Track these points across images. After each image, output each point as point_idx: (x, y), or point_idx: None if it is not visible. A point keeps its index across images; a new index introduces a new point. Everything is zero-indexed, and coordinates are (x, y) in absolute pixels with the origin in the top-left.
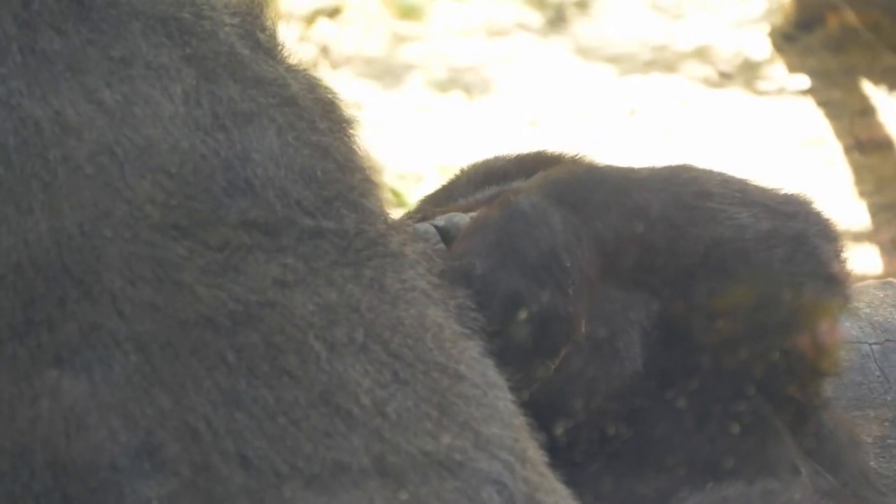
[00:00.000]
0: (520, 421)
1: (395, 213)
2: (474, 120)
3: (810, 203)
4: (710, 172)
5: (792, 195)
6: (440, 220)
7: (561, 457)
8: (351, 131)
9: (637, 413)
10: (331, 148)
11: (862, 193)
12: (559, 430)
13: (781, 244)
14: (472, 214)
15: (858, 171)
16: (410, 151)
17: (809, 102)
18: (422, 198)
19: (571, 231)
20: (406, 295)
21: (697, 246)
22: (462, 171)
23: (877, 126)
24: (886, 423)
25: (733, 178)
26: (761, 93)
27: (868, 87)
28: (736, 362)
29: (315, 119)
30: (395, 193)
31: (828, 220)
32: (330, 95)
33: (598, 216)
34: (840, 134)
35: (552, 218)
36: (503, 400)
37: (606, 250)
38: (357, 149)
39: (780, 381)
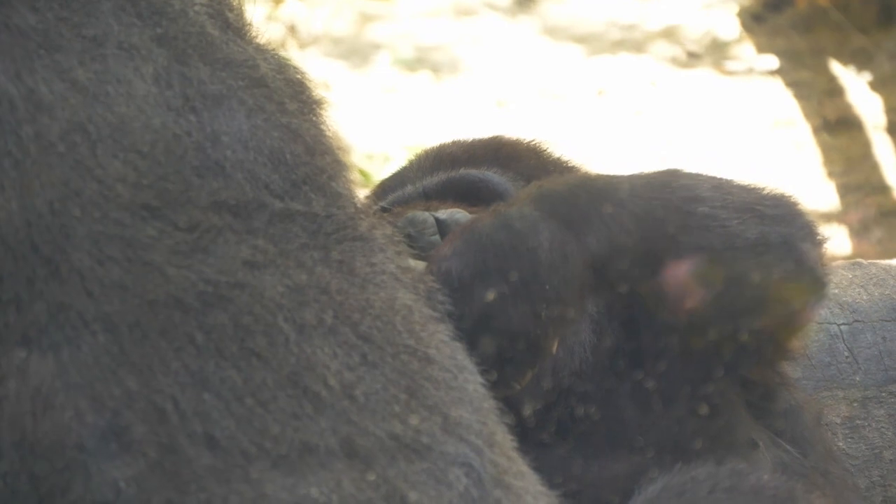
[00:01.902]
0: (489, 404)
1: (363, 194)
2: (442, 100)
3: (796, 205)
4: (700, 176)
5: (779, 197)
6: (442, 214)
7: (530, 438)
8: (320, 112)
9: (606, 395)
10: (300, 130)
11: (831, 174)
12: (528, 412)
13: (769, 250)
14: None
15: (827, 151)
16: (378, 131)
17: (778, 83)
18: (377, 184)
19: (558, 249)
20: (375, 278)
21: (687, 253)
22: (414, 157)
23: (845, 106)
24: (855, 404)
25: (721, 180)
26: (730, 73)
27: (837, 68)
28: (704, 344)
29: (284, 100)
30: (363, 174)
31: (812, 223)
32: (299, 76)
33: (591, 232)
34: (809, 114)
35: (541, 234)
36: (472, 383)
37: (597, 265)
38: (326, 130)
39: (748, 362)
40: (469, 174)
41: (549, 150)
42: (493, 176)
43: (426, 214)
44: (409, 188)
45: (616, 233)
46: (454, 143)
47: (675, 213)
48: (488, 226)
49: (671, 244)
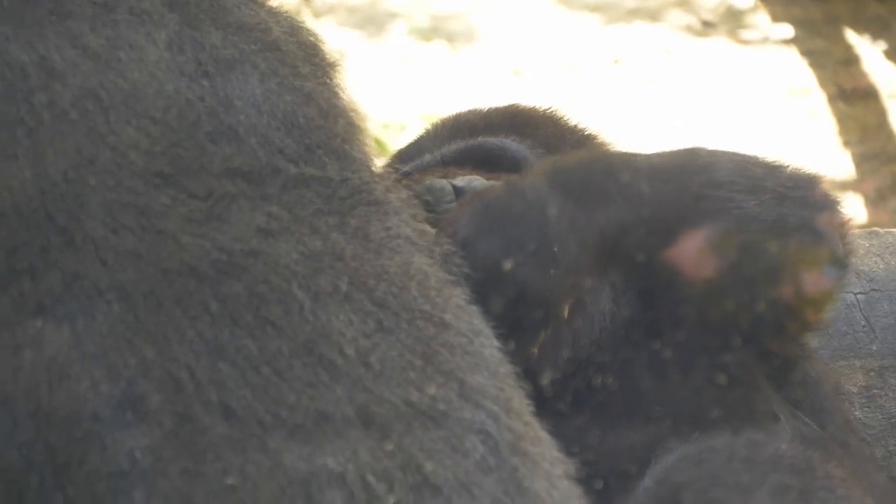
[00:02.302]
0: (505, 369)
1: (379, 162)
2: (457, 69)
3: (819, 185)
4: (723, 156)
5: (803, 177)
6: (460, 181)
7: (547, 408)
8: (334, 75)
9: (623, 364)
10: (314, 93)
11: (846, 143)
12: (545, 381)
13: (788, 232)
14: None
15: (842, 120)
16: (393, 101)
17: (793, 52)
18: (393, 153)
19: (567, 221)
20: (391, 243)
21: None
22: (431, 125)
23: (861, 75)
24: (872, 373)
25: (746, 160)
26: (745, 42)
27: (852, 36)
28: (721, 316)
29: (298, 64)
30: (379, 143)
31: (835, 203)
32: (312, 39)
33: (601, 208)
34: (824, 83)
35: (550, 205)
36: (489, 348)
37: (607, 242)
38: (340, 93)
39: (766, 332)
40: (487, 142)
41: (566, 118)
42: (510, 143)
43: (444, 182)
44: (428, 157)
45: (626, 213)
46: (471, 111)
47: (690, 196)
48: (500, 194)
49: (685, 226)
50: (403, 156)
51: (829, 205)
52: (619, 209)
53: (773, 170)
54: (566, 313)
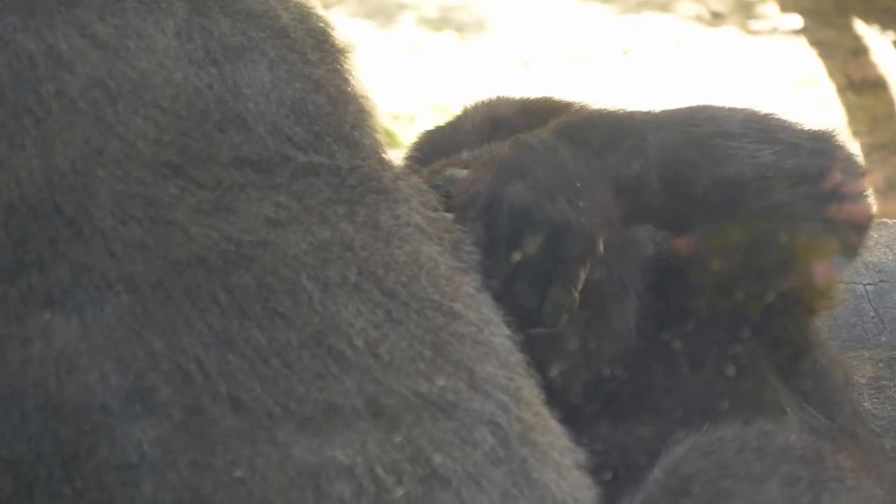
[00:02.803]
0: (515, 358)
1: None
2: (467, 60)
3: (837, 139)
4: (732, 110)
5: (818, 132)
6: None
7: (557, 399)
8: (343, 61)
9: (634, 355)
10: (323, 80)
11: (855, 133)
12: (555, 372)
13: (806, 182)
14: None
15: (852, 110)
16: (403, 91)
17: (803, 42)
18: (420, 135)
19: (583, 161)
20: (400, 231)
21: (716, 184)
22: (465, 114)
23: (870, 65)
24: (881, 364)
25: (757, 114)
26: (755, 32)
27: (861, 27)
28: (732, 304)
29: (307, 50)
30: (389, 133)
31: (853, 156)
32: (322, 24)
33: (609, 153)
34: (833, 74)
35: (562, 150)
36: (499, 337)
37: (618, 187)
38: (350, 80)
39: (776, 321)
40: None
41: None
42: None
43: (464, 171)
44: (467, 154)
45: (635, 157)
46: (504, 102)
47: (699, 143)
48: (512, 152)
49: (696, 173)
50: (436, 144)
51: (848, 156)
52: (626, 157)
53: (788, 125)
54: (602, 247)
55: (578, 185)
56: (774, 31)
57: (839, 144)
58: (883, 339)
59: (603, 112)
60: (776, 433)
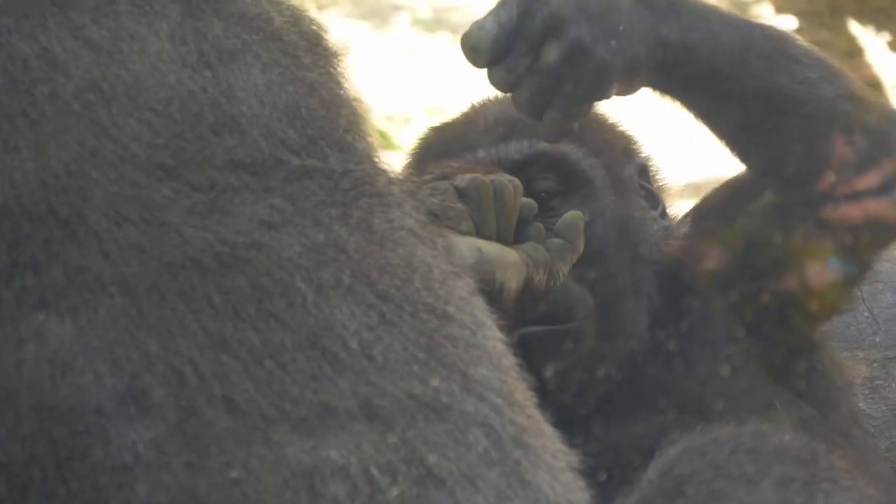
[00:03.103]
0: (508, 361)
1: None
2: (461, 61)
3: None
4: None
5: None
6: (461, 181)
7: (551, 400)
8: (336, 64)
9: (628, 355)
10: (316, 84)
11: None
12: (549, 373)
13: (846, 105)
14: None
15: None
16: (397, 93)
17: None
18: (427, 131)
19: (636, 15)
20: (393, 235)
21: (759, 93)
22: (474, 111)
23: (865, 67)
24: (875, 364)
25: (833, 66)
26: None
27: (856, 28)
28: (727, 304)
29: (300, 54)
30: (383, 135)
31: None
32: (314, 28)
33: (669, 20)
34: None
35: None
36: (492, 340)
37: (659, 51)
38: (343, 83)
39: (772, 323)
40: (548, 151)
41: (613, 122)
42: (571, 153)
43: (446, 183)
44: (482, 153)
45: (689, 35)
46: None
47: (759, 51)
48: None
49: (743, 76)
50: (446, 143)
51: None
52: (683, 26)
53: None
54: (609, 95)
55: (622, 28)
56: None
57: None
58: (877, 339)
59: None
60: (770, 434)
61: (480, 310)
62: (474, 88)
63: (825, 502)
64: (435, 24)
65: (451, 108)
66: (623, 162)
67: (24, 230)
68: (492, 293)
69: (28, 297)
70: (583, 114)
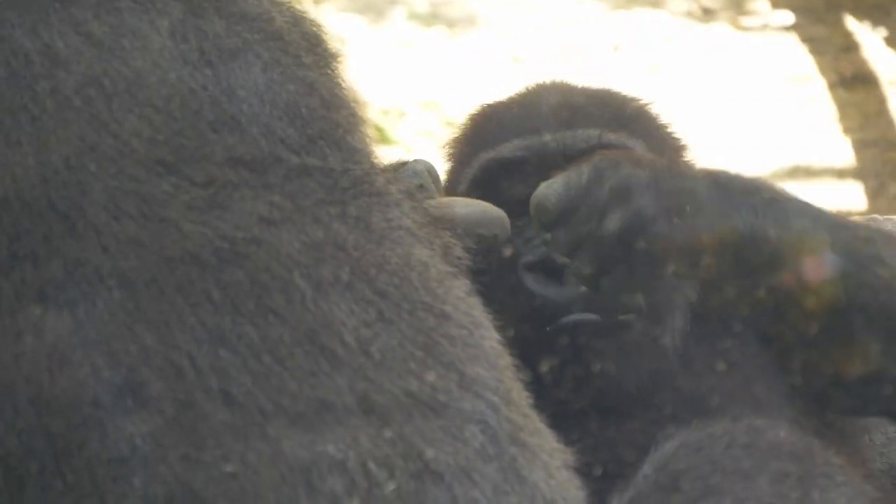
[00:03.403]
0: (505, 361)
1: (379, 150)
2: (458, 55)
3: None
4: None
5: None
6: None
7: (546, 395)
8: (336, 65)
9: (624, 351)
10: (316, 83)
11: (846, 129)
12: (545, 368)
13: None
14: None
15: (843, 107)
16: (393, 87)
17: (794, 38)
18: (478, 110)
19: (715, 201)
20: (392, 234)
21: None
22: (533, 95)
23: (861, 62)
24: None
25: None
26: (745, 29)
27: (852, 23)
28: (723, 300)
29: (300, 54)
30: (379, 129)
31: None
32: (315, 29)
33: (741, 208)
34: (824, 70)
35: (700, 184)
36: (489, 340)
37: (732, 247)
38: (342, 83)
39: (768, 318)
40: (616, 144)
41: (659, 115)
42: (637, 149)
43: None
44: (548, 138)
45: (756, 243)
46: (576, 91)
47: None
48: (670, 169)
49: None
50: (504, 124)
51: None
52: (756, 220)
53: None
54: (668, 274)
55: (688, 207)
56: (765, 27)
57: None
58: None
59: (762, 184)
60: (765, 429)
61: (477, 310)
62: (469, 83)
63: (820, 498)
64: (431, 18)
65: (447, 102)
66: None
67: (23, 224)
68: (490, 240)
69: (27, 290)
70: (640, 288)
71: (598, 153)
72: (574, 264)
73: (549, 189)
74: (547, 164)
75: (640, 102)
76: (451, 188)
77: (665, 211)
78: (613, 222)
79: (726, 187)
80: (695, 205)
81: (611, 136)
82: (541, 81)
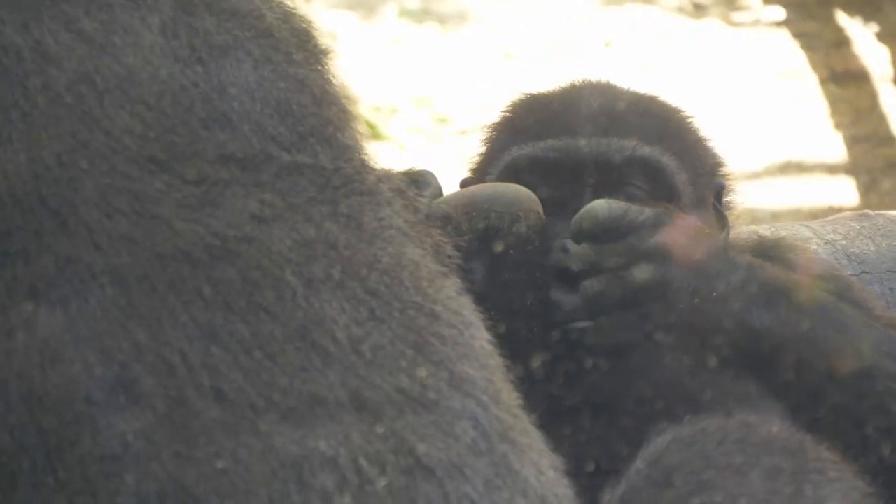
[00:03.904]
0: (495, 361)
1: (371, 146)
2: (449, 52)
3: None
4: None
5: None
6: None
7: (539, 390)
8: (327, 62)
9: (616, 347)
10: (307, 80)
11: (838, 125)
12: (537, 364)
13: None
14: None
15: (834, 102)
16: (385, 83)
17: (785, 34)
18: (519, 102)
19: (746, 295)
20: (383, 233)
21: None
22: (574, 92)
23: (852, 57)
24: None
25: None
26: (737, 24)
27: (844, 19)
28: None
29: (291, 50)
30: (370, 125)
31: None
32: (305, 25)
33: (769, 313)
34: (816, 65)
35: (738, 272)
36: (479, 339)
37: (753, 341)
38: (333, 80)
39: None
40: (649, 158)
41: (700, 129)
42: (669, 167)
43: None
44: (583, 143)
45: (780, 340)
46: (617, 93)
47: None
48: (711, 246)
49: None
50: (542, 121)
51: None
52: (773, 323)
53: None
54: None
55: (715, 294)
56: (757, 22)
57: None
58: None
59: (794, 283)
60: (758, 425)
61: (468, 309)
62: (461, 79)
63: (813, 493)
64: (423, 14)
65: (438, 98)
66: (708, 181)
67: (15, 220)
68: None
69: (19, 287)
70: (630, 333)
71: (667, 207)
72: (587, 285)
73: (609, 206)
74: (578, 169)
75: (682, 115)
76: (480, 176)
77: (692, 289)
78: (641, 273)
79: (761, 284)
80: (721, 292)
81: (646, 150)
82: (586, 79)
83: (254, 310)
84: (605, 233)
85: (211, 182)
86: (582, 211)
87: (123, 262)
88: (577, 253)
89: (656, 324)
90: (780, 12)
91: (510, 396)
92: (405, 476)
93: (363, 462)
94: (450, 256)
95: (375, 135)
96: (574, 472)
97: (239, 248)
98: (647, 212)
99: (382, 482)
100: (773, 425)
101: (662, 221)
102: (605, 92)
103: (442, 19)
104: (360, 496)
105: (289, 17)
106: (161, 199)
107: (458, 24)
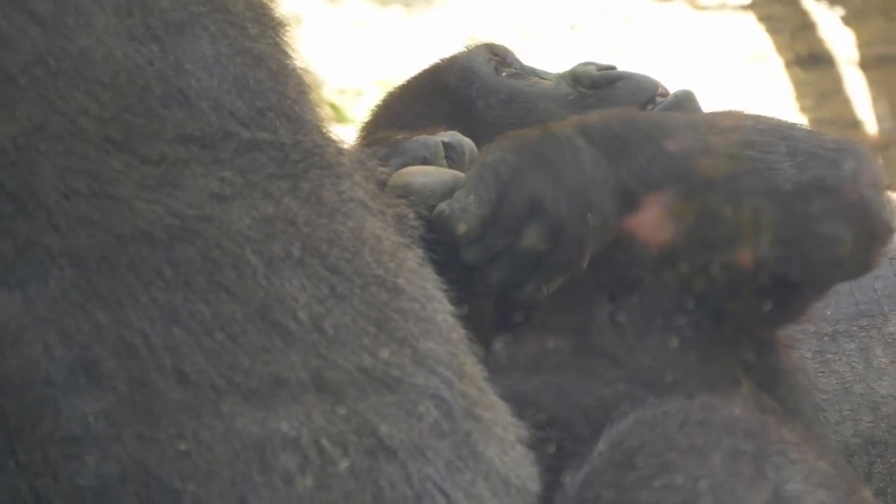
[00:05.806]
0: (458, 335)
1: (336, 129)
2: (414, 34)
3: (860, 149)
4: (756, 118)
5: (841, 141)
6: (446, 136)
7: (502, 370)
8: (283, 34)
9: (579, 326)
10: (263, 55)
11: (803, 108)
12: (499, 344)
13: (824, 194)
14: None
15: (799, 86)
16: (350, 66)
17: (751, 17)
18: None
19: (600, 169)
20: (343, 207)
21: (731, 198)
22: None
23: (817, 41)
24: (825, 338)
25: (781, 123)
26: (703, 8)
27: (809, 3)
28: (677, 276)
29: (247, 25)
30: (335, 108)
31: (876, 167)
32: None
33: (626, 161)
34: (781, 49)
35: (584, 153)
36: (442, 313)
37: (626, 198)
38: (290, 52)
39: (722, 296)
40: None
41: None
42: None
43: (435, 139)
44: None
45: (649, 168)
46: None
47: (718, 157)
48: (535, 136)
49: (711, 187)
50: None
51: (870, 166)
52: (640, 167)
53: (810, 133)
54: (586, 263)
55: (593, 198)
56: (723, 6)
57: (863, 154)
58: (827, 312)
59: (624, 115)
60: (720, 406)
61: (430, 282)
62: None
63: (774, 475)
64: None
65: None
66: None
67: None
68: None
69: None
70: (558, 284)
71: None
72: (488, 272)
73: (458, 203)
74: None
75: None
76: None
77: (576, 210)
78: (533, 237)
79: (606, 147)
80: (592, 185)
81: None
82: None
83: (214, 290)
84: (474, 232)
85: (170, 161)
86: (439, 229)
87: (82, 243)
88: (465, 257)
89: (576, 252)
90: None
91: (475, 369)
92: (368, 457)
93: (325, 443)
94: (412, 227)
95: (340, 118)
96: (536, 454)
97: (199, 228)
98: (487, 179)
99: (345, 463)
100: (736, 407)
101: (501, 171)
102: (491, 46)
103: (407, 2)
104: (322, 477)
105: None
106: (119, 180)
107: (423, 6)
